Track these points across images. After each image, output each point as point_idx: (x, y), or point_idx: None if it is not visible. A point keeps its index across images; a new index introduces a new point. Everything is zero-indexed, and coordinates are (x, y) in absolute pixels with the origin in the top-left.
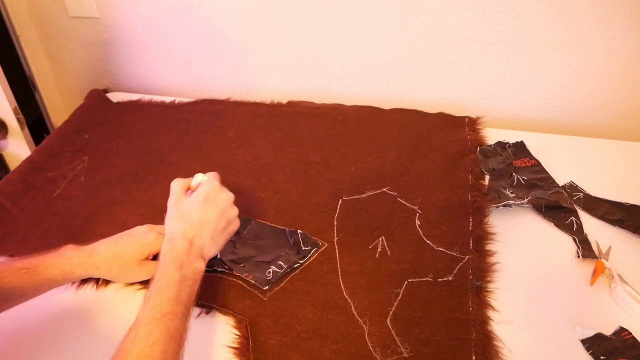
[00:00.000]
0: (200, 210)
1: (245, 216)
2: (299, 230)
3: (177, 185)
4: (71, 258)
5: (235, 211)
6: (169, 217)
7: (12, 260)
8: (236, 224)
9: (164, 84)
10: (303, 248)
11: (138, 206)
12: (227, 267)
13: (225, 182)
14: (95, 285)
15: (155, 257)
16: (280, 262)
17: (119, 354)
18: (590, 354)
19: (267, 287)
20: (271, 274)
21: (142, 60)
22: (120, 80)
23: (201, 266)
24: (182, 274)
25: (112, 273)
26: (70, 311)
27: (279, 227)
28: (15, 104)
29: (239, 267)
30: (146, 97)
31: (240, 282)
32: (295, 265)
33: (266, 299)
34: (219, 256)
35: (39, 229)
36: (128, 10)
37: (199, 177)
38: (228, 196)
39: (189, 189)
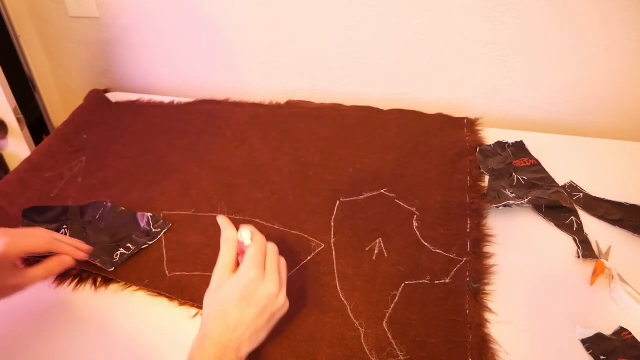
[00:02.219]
0: (236, 309)
1: (104, 199)
2: (148, 214)
3: (227, 252)
4: None
5: (279, 302)
6: (206, 304)
7: None
8: (283, 310)
9: (163, 84)
10: (153, 230)
11: (136, 207)
12: None
13: (222, 183)
14: (93, 287)
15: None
16: (128, 245)
17: None
18: (590, 354)
19: (112, 269)
20: (118, 257)
21: (142, 60)
22: (120, 80)
23: None
24: None
25: None
26: (68, 311)
27: (131, 211)
28: (15, 104)
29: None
30: (145, 98)
31: None
32: (144, 247)
33: None
34: None
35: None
36: (128, 10)
37: (245, 237)
38: (271, 289)
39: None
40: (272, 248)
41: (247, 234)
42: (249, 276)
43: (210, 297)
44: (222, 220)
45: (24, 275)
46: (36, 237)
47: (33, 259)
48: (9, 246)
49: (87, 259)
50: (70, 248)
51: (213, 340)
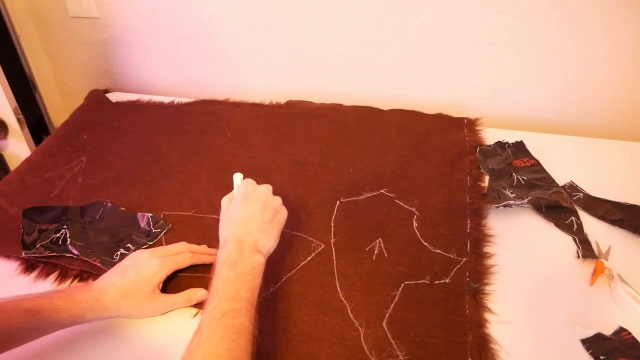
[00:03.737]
0: (242, 208)
1: (104, 200)
2: (148, 214)
3: (224, 200)
4: (80, 302)
5: (277, 200)
6: (221, 222)
7: (20, 300)
8: (284, 213)
9: (163, 84)
10: (153, 230)
11: (136, 207)
12: (75, 253)
13: (222, 183)
14: None
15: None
16: (128, 245)
17: (185, 358)
18: (590, 354)
19: None
20: (118, 257)
21: (142, 60)
22: (120, 80)
23: (259, 259)
24: (238, 272)
25: (123, 312)
26: None
27: (131, 211)
28: (15, 104)
29: (87, 252)
30: (145, 98)
31: None
32: (144, 247)
33: (261, 299)
34: (68, 241)
35: None
36: (128, 10)
37: (237, 179)
38: (265, 188)
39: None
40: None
41: (238, 177)
42: (245, 184)
43: (221, 217)
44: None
45: (164, 300)
46: (181, 257)
47: None
48: (161, 267)
49: (86, 259)
50: (207, 257)
51: (229, 239)
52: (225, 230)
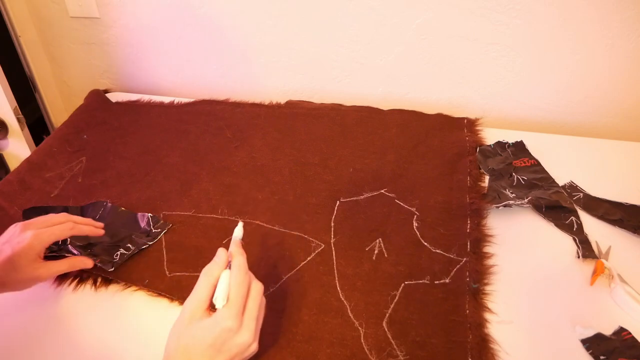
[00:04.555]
0: (204, 355)
1: (104, 200)
2: (148, 214)
3: (206, 286)
4: None
5: (253, 348)
6: (172, 337)
7: None
8: (255, 348)
9: (164, 84)
10: (153, 230)
11: (136, 207)
12: (75, 253)
13: (222, 183)
14: (93, 287)
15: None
16: (128, 245)
17: None
18: (590, 354)
19: (112, 269)
20: (118, 257)
21: (142, 60)
22: (120, 80)
23: None
24: None
25: (8, 287)
26: (68, 311)
27: (131, 211)
28: (15, 104)
29: (87, 252)
30: (145, 98)
31: None
32: (144, 247)
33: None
34: (68, 242)
35: None
36: (128, 10)
37: (237, 231)
38: (245, 339)
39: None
40: (256, 289)
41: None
42: (224, 325)
43: (178, 332)
44: (220, 251)
45: (47, 267)
46: (59, 228)
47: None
48: (34, 239)
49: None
50: (90, 228)
51: None
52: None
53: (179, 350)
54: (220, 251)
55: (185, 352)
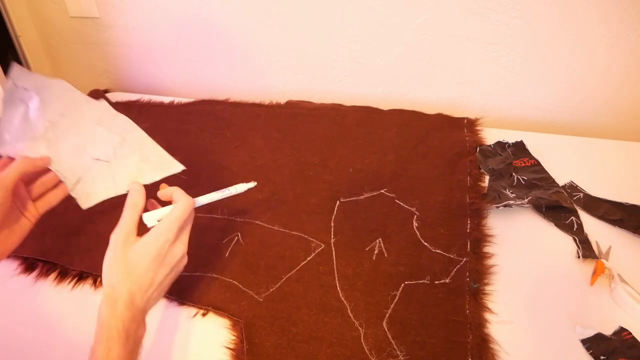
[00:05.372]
0: (149, 269)
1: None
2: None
3: (133, 216)
4: None
5: (185, 260)
6: (111, 263)
7: None
8: (184, 262)
9: (164, 84)
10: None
11: None
12: None
13: (222, 184)
14: (93, 286)
15: None
16: None
17: None
18: (590, 354)
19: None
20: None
21: (142, 60)
22: (120, 80)
23: (143, 332)
24: (128, 349)
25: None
26: (67, 311)
27: None
28: None
29: None
30: (145, 98)
31: (237, 283)
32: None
33: (261, 299)
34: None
35: (36, 229)
36: (128, 10)
37: (157, 213)
38: (181, 251)
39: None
40: (187, 204)
41: (156, 215)
42: (166, 237)
43: (115, 257)
44: (134, 186)
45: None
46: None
47: None
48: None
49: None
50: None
51: (126, 303)
52: (121, 282)
53: (120, 274)
54: (136, 186)
55: (127, 272)
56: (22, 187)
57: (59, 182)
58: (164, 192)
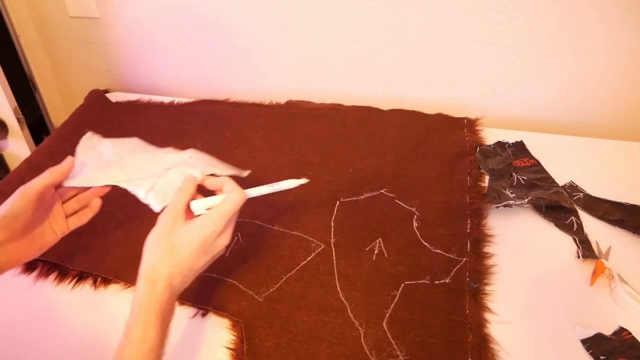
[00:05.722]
0: (192, 255)
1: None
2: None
3: (183, 199)
4: None
5: (222, 251)
6: (155, 243)
7: None
8: (217, 257)
9: (164, 84)
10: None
11: (135, 207)
12: None
13: None
14: (93, 286)
15: None
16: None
17: None
18: (590, 354)
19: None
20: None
21: (142, 60)
22: (120, 80)
23: (173, 315)
24: (162, 330)
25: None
26: (67, 311)
27: None
28: (15, 104)
29: None
30: (145, 98)
31: (236, 283)
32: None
33: (261, 299)
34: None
35: None
36: (128, 10)
37: (207, 202)
38: (226, 242)
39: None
40: (238, 197)
41: (205, 204)
42: (214, 228)
43: (159, 238)
44: (188, 176)
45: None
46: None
47: None
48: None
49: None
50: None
51: (165, 284)
52: (162, 262)
53: (167, 254)
54: (191, 175)
55: (170, 254)
56: (59, 203)
57: (90, 202)
58: (213, 181)
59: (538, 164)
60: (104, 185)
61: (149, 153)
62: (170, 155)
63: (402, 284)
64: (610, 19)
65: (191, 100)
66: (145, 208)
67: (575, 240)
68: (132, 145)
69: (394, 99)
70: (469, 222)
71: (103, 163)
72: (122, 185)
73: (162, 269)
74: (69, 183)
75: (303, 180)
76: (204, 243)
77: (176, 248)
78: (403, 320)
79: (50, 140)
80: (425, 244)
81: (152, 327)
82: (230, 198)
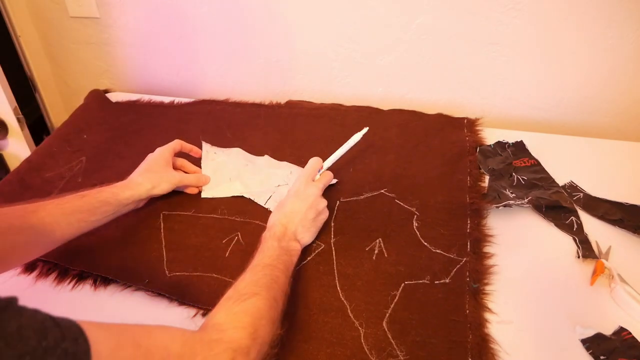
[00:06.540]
0: (292, 202)
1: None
2: None
3: (310, 168)
4: (114, 186)
5: (323, 203)
6: (273, 212)
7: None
8: (325, 214)
9: (164, 84)
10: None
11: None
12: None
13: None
14: (92, 287)
15: None
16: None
17: (229, 290)
18: (590, 354)
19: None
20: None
21: (142, 60)
22: (120, 80)
23: (296, 246)
24: (280, 246)
25: (152, 182)
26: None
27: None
28: (15, 104)
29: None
30: (145, 98)
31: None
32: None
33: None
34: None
35: None
36: (128, 10)
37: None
38: (315, 191)
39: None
40: (312, 164)
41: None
42: (300, 180)
43: (297, 189)
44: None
45: (180, 174)
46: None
47: None
48: (164, 148)
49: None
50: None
51: (276, 224)
52: (275, 216)
53: (275, 210)
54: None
55: (281, 206)
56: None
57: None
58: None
59: (538, 164)
60: (232, 195)
61: (257, 167)
62: (279, 171)
63: (402, 284)
64: (610, 19)
65: (191, 100)
66: (144, 208)
67: (575, 240)
68: (239, 156)
69: (394, 99)
70: (469, 222)
71: (223, 175)
72: (247, 196)
73: (274, 218)
74: (206, 194)
75: (365, 129)
76: (297, 192)
77: (282, 205)
78: (403, 320)
79: (50, 140)
80: (425, 244)
81: (269, 243)
82: (313, 164)
